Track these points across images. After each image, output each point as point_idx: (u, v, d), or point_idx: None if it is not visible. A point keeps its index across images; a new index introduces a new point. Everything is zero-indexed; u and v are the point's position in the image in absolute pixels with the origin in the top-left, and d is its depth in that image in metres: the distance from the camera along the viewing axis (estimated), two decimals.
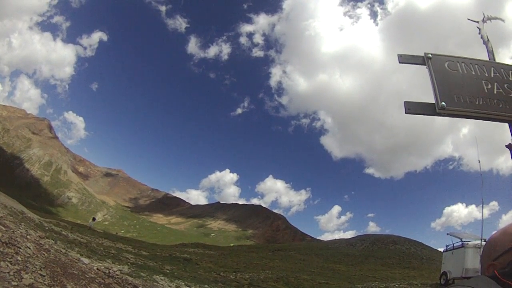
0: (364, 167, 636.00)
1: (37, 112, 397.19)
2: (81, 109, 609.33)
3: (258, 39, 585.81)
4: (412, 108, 3.60)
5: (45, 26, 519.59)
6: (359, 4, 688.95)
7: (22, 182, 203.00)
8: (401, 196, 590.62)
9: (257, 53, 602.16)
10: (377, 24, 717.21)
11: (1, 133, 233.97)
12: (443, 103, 3.54)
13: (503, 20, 4.91)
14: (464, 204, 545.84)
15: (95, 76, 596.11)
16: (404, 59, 3.98)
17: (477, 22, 4.70)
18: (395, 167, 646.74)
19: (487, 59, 4.16)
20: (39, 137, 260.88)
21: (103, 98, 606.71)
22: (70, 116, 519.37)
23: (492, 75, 3.82)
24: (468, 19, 4.79)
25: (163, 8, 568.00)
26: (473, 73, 3.83)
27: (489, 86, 3.73)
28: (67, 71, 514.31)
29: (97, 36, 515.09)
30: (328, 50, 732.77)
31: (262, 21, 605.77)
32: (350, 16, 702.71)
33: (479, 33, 4.56)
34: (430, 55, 3.89)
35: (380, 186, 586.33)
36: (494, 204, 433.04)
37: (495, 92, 3.69)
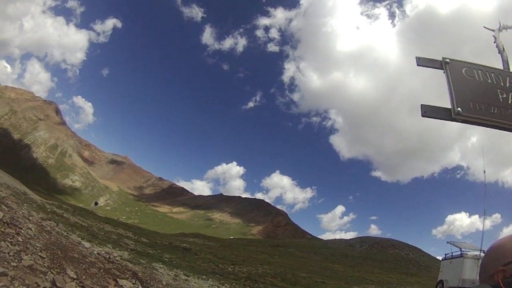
0: (371, 169, 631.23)
1: (46, 96, 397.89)
2: (91, 95, 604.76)
3: (274, 33, 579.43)
4: (428, 111, 3.60)
5: (59, 10, 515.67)
6: (377, 4, 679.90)
7: (27, 164, 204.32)
8: (406, 201, 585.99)
9: (273, 47, 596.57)
10: (394, 26, 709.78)
11: (8, 114, 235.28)
12: (459, 108, 3.54)
13: None
14: (467, 214, 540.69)
15: (107, 63, 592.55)
16: (422, 62, 3.96)
17: (493, 30, 4.63)
18: (403, 171, 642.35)
19: (502, 68, 4.11)
20: (46, 120, 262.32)
21: (113, 85, 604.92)
22: (79, 100, 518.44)
23: (507, 85, 3.81)
24: (484, 27, 4.72)
25: None
26: (489, 81, 3.81)
27: (504, 96, 3.72)
28: (79, 56, 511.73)
29: (111, 22, 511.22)
30: (343, 48, 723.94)
31: (279, 15, 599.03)
32: (368, 16, 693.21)
33: (494, 42, 4.50)
34: (448, 60, 3.87)
35: (386, 190, 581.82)
36: (496, 216, 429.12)
37: (509, 102, 3.69)
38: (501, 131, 3.62)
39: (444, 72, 3.83)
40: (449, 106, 3.62)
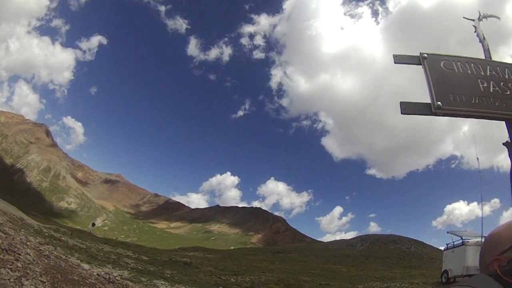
0: (366, 168, 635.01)
1: (35, 118, 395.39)
2: (80, 114, 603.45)
3: (259, 40, 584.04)
4: (408, 108, 3.60)
5: (44, 30, 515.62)
6: (360, 3, 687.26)
7: (20, 188, 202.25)
8: (403, 195, 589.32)
9: (258, 54, 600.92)
10: (378, 23, 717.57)
11: None
12: (439, 102, 3.54)
13: (498, 18, 4.90)
14: (466, 202, 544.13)
15: (94, 81, 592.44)
16: (400, 59, 3.98)
17: (473, 20, 4.69)
18: (397, 167, 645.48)
19: (484, 57, 4.17)
20: (37, 143, 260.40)
21: (102, 103, 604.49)
22: (69, 121, 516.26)
23: (488, 74, 3.82)
24: (464, 17, 4.78)
25: (162, 8, 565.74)
26: (469, 72, 3.83)
27: (485, 85, 3.73)
28: (66, 75, 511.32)
29: (97, 39, 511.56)
30: (329, 50, 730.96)
31: (263, 21, 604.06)
32: (351, 15, 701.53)
33: (475, 31, 4.56)
34: (425, 54, 3.90)
35: (382, 187, 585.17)
36: (495, 201, 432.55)
37: (491, 91, 3.70)
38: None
39: (422, 67, 3.85)
40: (429, 101, 3.62)
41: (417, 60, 3.93)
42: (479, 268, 1.59)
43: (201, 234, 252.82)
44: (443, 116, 3.62)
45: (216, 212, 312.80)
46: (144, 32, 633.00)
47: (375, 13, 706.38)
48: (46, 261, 10.40)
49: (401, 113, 3.56)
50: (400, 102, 3.58)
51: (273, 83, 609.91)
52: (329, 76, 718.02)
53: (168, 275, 24.02)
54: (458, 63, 3.88)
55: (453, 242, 25.21)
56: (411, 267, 67.42)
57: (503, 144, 3.53)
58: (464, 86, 3.73)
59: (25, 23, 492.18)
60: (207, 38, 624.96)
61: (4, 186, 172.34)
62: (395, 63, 3.97)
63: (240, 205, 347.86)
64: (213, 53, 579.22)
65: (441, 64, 3.87)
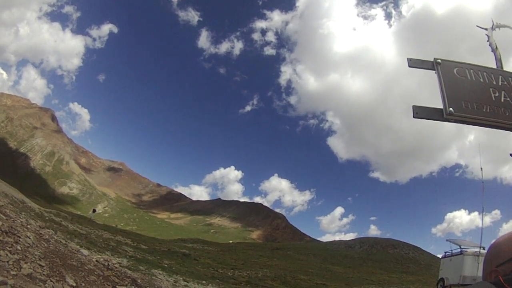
0: (370, 170, 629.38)
1: (42, 102, 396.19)
2: (87, 101, 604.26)
3: (270, 36, 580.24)
4: (420, 112, 3.60)
5: (55, 16, 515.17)
6: (374, 5, 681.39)
7: (23, 172, 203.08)
8: (405, 200, 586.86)
9: (269, 51, 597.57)
10: (390, 26, 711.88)
11: (4, 122, 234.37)
12: (451, 109, 3.54)
13: (511, 28, 4.87)
14: (467, 211, 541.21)
15: (103, 68, 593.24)
16: (414, 63, 3.97)
17: (486, 29, 4.65)
18: (401, 171, 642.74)
19: (495, 66, 4.14)
20: (42, 127, 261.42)
21: (110, 91, 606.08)
22: (75, 107, 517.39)
23: (500, 83, 3.81)
24: (477, 26, 4.74)
25: None
26: (481, 80, 3.81)
27: (497, 94, 3.72)
28: (75, 62, 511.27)
29: (107, 28, 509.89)
30: (340, 50, 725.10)
31: (276, 18, 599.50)
32: (364, 17, 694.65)
33: (487, 41, 4.52)
34: (439, 60, 3.88)
35: (384, 190, 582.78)
36: (496, 213, 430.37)
37: (502, 101, 3.69)
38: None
39: (436, 73, 3.84)
40: (441, 107, 3.62)
41: (430, 65, 3.91)
42: (482, 276, 1.58)
43: (201, 226, 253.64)
44: (454, 122, 3.62)
45: (217, 205, 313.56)
46: (155, 23, 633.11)
47: (388, 16, 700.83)
48: (45, 245, 10.44)
49: (413, 117, 3.56)
50: (413, 106, 3.58)
51: (282, 80, 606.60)
52: (339, 76, 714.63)
53: (166, 265, 24.15)
54: (471, 71, 3.86)
55: (451, 250, 25.05)
56: (408, 273, 67.52)
57: (511, 155, 3.51)
58: (476, 94, 3.71)
59: (36, 8, 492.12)
60: (218, 31, 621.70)
61: (7, 169, 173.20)
62: (409, 66, 3.96)
63: (242, 200, 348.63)
64: (224, 46, 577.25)
65: (454, 71, 3.85)
